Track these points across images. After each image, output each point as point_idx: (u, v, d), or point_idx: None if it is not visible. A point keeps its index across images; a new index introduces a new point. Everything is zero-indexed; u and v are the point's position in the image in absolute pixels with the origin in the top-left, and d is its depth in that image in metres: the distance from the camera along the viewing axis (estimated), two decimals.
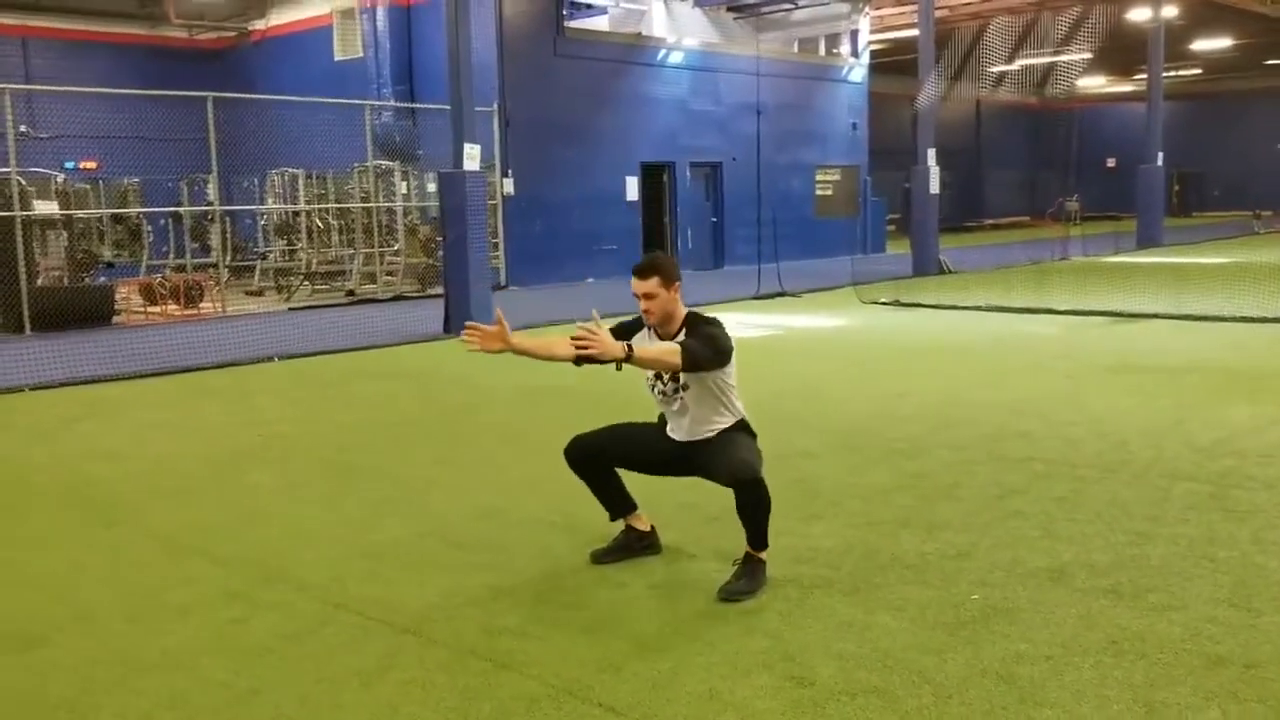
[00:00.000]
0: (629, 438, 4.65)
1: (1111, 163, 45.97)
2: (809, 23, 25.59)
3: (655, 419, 4.71)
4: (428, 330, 13.22)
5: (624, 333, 4.46)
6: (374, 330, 13.17)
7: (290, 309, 16.38)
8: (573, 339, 4.00)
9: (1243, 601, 4.08)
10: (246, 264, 20.23)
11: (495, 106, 18.45)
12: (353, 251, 18.76)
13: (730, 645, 3.81)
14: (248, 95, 18.75)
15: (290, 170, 19.19)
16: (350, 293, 17.92)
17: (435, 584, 4.52)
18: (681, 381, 4.36)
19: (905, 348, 11.23)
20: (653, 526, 4.77)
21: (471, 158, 12.75)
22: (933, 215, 19.81)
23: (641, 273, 4.33)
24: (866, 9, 26.22)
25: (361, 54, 20.47)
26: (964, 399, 8.20)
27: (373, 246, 18.78)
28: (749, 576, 4.29)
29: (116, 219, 19.59)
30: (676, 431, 4.52)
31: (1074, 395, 8.23)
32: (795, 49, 25.69)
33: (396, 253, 19.13)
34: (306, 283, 18.54)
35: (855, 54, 26.60)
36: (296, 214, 19.24)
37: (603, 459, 4.61)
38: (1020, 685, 3.44)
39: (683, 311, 4.41)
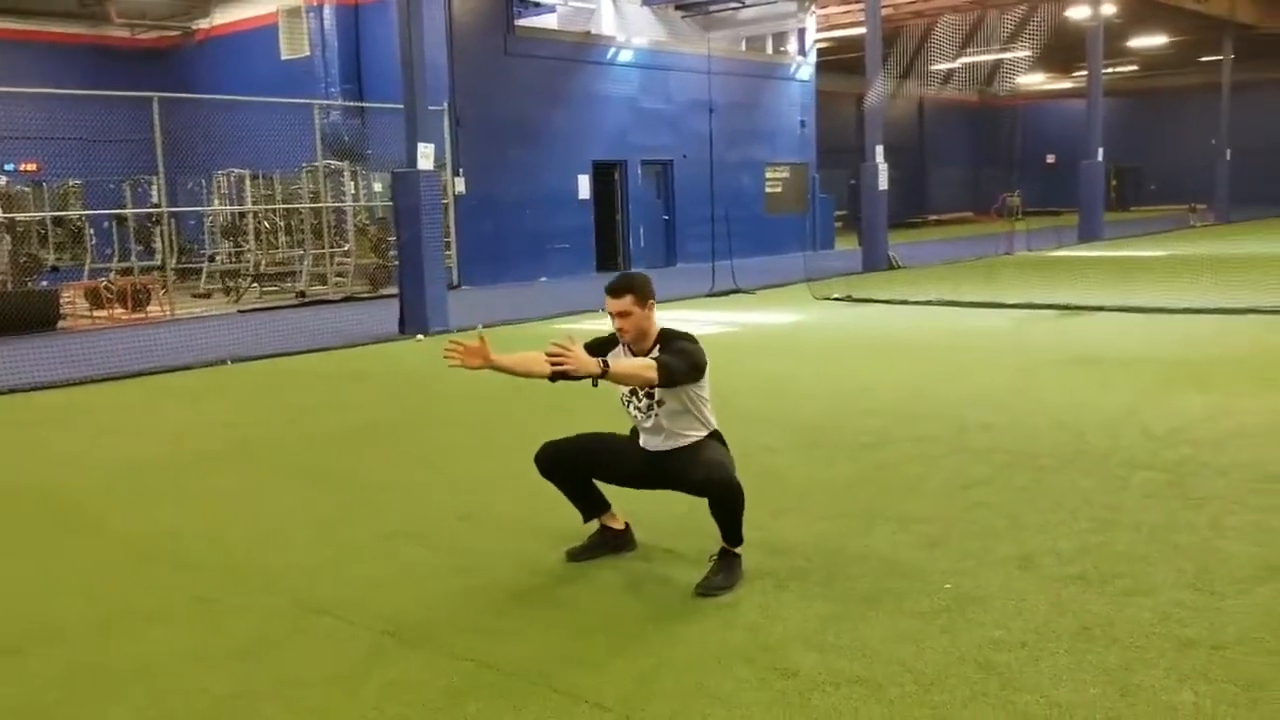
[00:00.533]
0: (600, 450, 4.63)
1: (1051, 159, 46.77)
2: (756, 21, 25.78)
3: (626, 427, 4.72)
4: (382, 331, 13.13)
5: (598, 349, 4.46)
6: (328, 332, 13.05)
7: (240, 311, 16.19)
8: (547, 355, 3.97)
9: (1206, 585, 4.18)
10: (193, 266, 19.96)
11: (446, 105, 18.36)
12: (302, 252, 18.58)
13: (711, 639, 3.85)
14: (194, 95, 18.47)
15: (237, 171, 18.97)
16: (301, 294, 17.75)
17: (410, 586, 4.51)
18: (656, 397, 4.38)
19: (862, 343, 11.35)
20: (627, 524, 4.79)
21: (425, 157, 12.68)
22: (882, 212, 20.02)
23: (615, 292, 4.35)
24: (813, 7, 26.43)
25: (308, 53, 20.27)
26: (924, 392, 8.31)
27: (322, 247, 18.61)
28: (726, 571, 4.32)
29: (58, 222, 19.23)
30: (650, 444, 4.53)
31: (1031, 387, 8.38)
32: (743, 47, 25.83)
33: (346, 253, 18.98)
34: (255, 285, 18.33)
35: (802, 52, 26.80)
36: (243, 215, 19.03)
37: (573, 468, 4.61)
38: (998, 671, 3.51)
39: (656, 328, 4.44)
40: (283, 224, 19.04)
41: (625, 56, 22.43)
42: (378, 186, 18.88)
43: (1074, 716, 3.21)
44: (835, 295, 15.27)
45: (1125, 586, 4.20)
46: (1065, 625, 3.86)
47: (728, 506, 4.25)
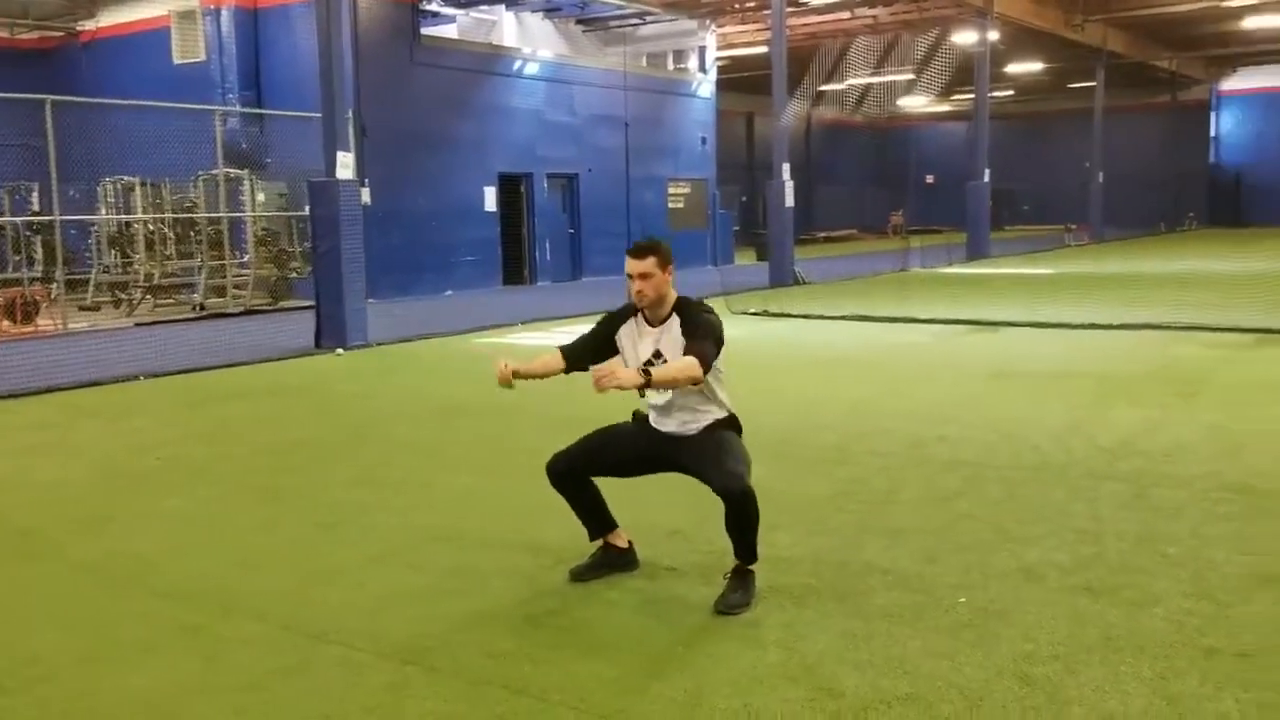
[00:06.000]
0: (606, 442, 4.53)
1: (930, 179, 48.19)
2: (656, 38, 25.90)
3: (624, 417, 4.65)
4: (297, 345, 12.72)
5: (608, 326, 4.46)
6: (237, 346, 12.58)
7: (137, 325, 15.51)
8: (593, 371, 4.05)
9: (1207, 594, 4.29)
10: (78, 277, 19.04)
11: (350, 114, 17.90)
12: (198, 263, 17.91)
13: (744, 659, 3.78)
14: (85, 99, 17.62)
15: (125, 178, 18.20)
16: (200, 307, 17.10)
17: (412, 611, 4.33)
18: None
19: (793, 358, 11.43)
20: (630, 543, 4.69)
21: (345, 166, 12.35)
22: (789, 228, 20.27)
23: (639, 253, 4.27)
24: (713, 26, 26.69)
25: (204, 57, 19.58)
26: (869, 407, 8.40)
27: (220, 258, 17.98)
28: (743, 589, 4.26)
29: None
30: (663, 424, 4.41)
31: (971, 401, 8.54)
32: (644, 63, 25.93)
33: (245, 265, 18.38)
34: (149, 297, 17.59)
35: (703, 69, 27.03)
36: (129, 224, 18.26)
37: (586, 470, 4.50)
38: (1040, 685, 3.53)
39: (674, 295, 4.37)
40: (173, 234, 18.35)
41: (532, 69, 22.28)
42: (260, 196, 18.36)
43: None
44: (752, 310, 15.38)
45: (1132, 597, 4.28)
46: (1090, 636, 3.90)
47: (744, 517, 4.18)
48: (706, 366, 4.11)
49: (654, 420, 4.47)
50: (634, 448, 4.50)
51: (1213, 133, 45.84)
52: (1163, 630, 3.94)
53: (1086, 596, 4.29)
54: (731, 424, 4.42)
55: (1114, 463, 6.43)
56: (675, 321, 4.34)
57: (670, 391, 4.30)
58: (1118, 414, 7.85)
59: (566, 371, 4.44)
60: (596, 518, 4.59)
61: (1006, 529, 5.18)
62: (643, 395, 4.11)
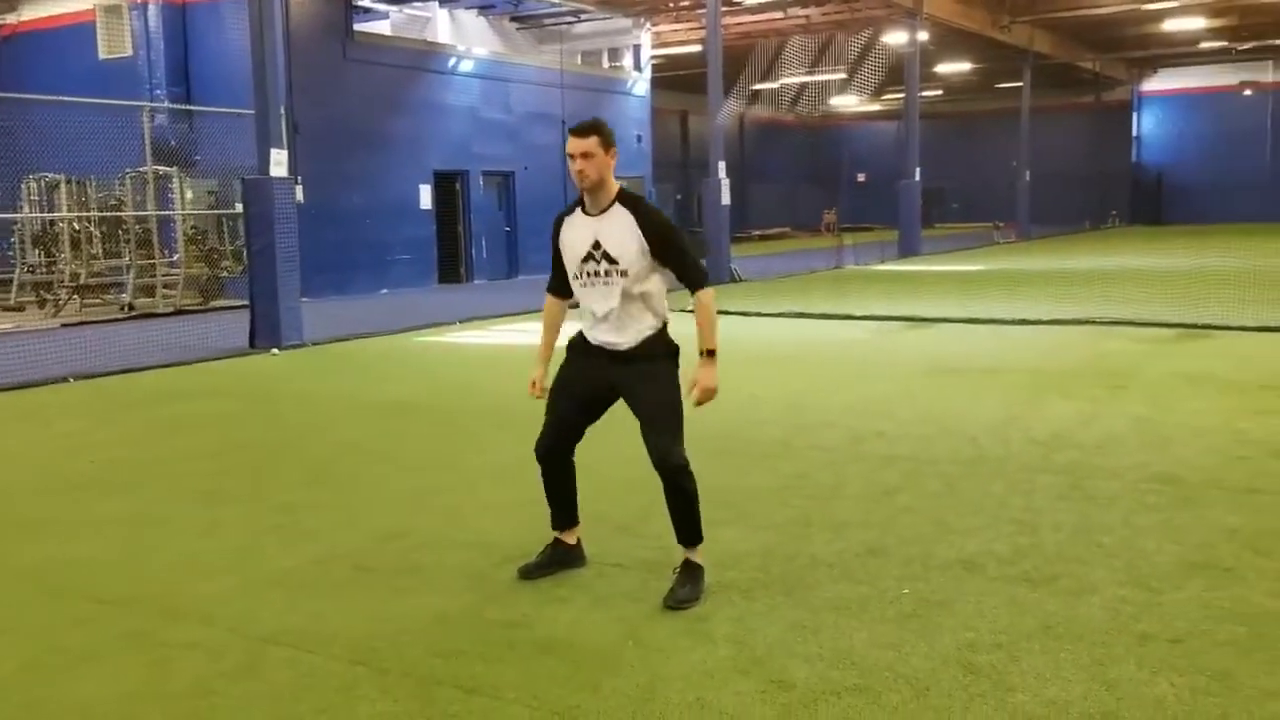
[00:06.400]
0: (561, 397, 4.45)
1: (862, 177, 48.74)
2: (591, 36, 25.91)
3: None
4: (230, 345, 12.54)
5: (555, 238, 4.45)
6: (169, 346, 12.36)
7: (64, 325, 15.17)
8: (695, 403, 4.29)
9: (1140, 582, 4.42)
10: (0, 276, 18.55)
11: (283, 110, 17.66)
12: (126, 262, 17.55)
13: (695, 653, 3.82)
14: (6, 95, 17.14)
15: (50, 176, 17.78)
16: (129, 306, 16.77)
17: (362, 611, 4.31)
18: (621, 266, 4.21)
19: (733, 354, 11.32)
20: (579, 540, 4.72)
21: (279, 164, 12.19)
22: (725, 226, 20.40)
23: (582, 131, 4.23)
24: (647, 24, 26.76)
25: (131, 53, 19.20)
26: (810, 403, 8.50)
27: (149, 257, 17.64)
28: (691, 584, 4.31)
29: None
30: (599, 331, 4.33)
31: (908, 396, 8.68)
32: (579, 61, 25.92)
33: (174, 264, 18.05)
34: (75, 297, 17.21)
35: (638, 68, 27.09)
36: (54, 223, 17.85)
37: (562, 434, 4.45)
38: (984, 673, 3.61)
39: (615, 184, 4.32)
40: (99, 233, 17.96)
41: (467, 66, 22.17)
42: (189, 194, 18.05)
43: (1070, 713, 3.33)
44: (689, 307, 15.42)
45: (1069, 586, 4.40)
46: (1029, 625, 4.00)
47: (681, 492, 4.24)
48: (705, 279, 4.28)
49: (589, 330, 4.39)
50: (579, 389, 4.42)
51: (1135, 133, 46.96)
52: (1099, 618, 4.06)
53: (1025, 586, 4.40)
54: (667, 349, 4.33)
55: (1048, 455, 6.59)
56: (620, 213, 4.24)
57: (611, 296, 4.25)
58: (1051, 408, 8.03)
59: (573, 307, 4.51)
60: (566, 509, 4.62)
61: (946, 522, 5.29)
62: (580, 263, 4.32)
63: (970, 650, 3.79)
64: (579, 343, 4.46)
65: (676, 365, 4.36)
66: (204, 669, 3.81)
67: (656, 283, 4.31)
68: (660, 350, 4.32)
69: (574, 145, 4.22)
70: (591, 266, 4.29)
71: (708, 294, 4.25)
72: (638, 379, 4.30)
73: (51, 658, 3.95)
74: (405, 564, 4.88)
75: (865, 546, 4.95)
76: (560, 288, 4.53)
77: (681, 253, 4.29)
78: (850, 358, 11.00)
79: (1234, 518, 5.21)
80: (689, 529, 4.32)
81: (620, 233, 4.22)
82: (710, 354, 4.23)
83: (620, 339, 4.30)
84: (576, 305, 4.48)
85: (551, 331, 4.65)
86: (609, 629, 4.08)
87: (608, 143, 4.24)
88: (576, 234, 4.34)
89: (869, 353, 11.33)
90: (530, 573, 4.59)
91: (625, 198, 4.31)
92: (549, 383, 4.49)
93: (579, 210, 4.37)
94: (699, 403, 4.23)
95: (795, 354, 11.39)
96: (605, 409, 4.50)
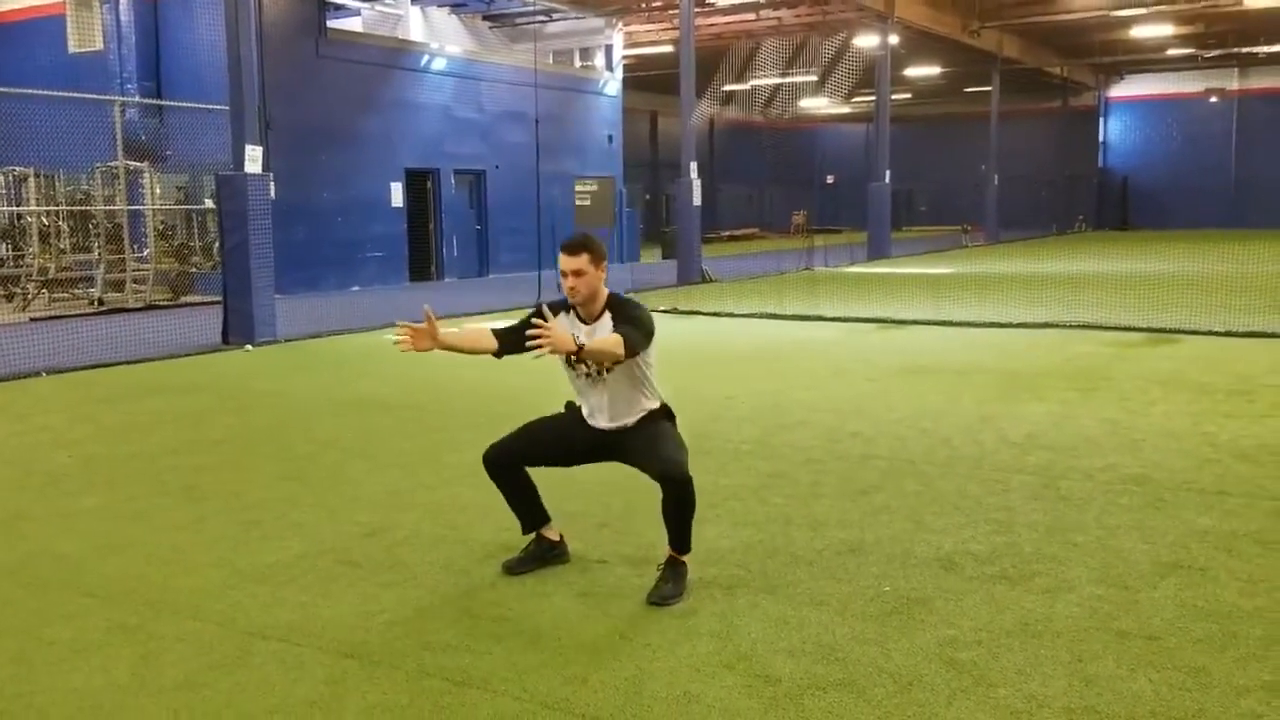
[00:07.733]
0: (543, 434, 4.61)
1: (831, 179, 49.00)
2: (563, 35, 25.94)
3: (563, 408, 4.71)
4: (203, 341, 12.48)
5: (520, 330, 4.41)
6: (141, 342, 12.29)
7: (31, 319, 15.02)
8: (528, 333, 4.03)
9: (1116, 581, 4.51)
10: None
11: (255, 107, 17.56)
12: (96, 257, 17.41)
13: (681, 648, 3.88)
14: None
15: (18, 169, 17.60)
16: (100, 301, 16.63)
17: (349, 606, 4.33)
18: (607, 365, 4.37)
19: (708, 354, 11.58)
20: (562, 536, 4.77)
21: (254, 160, 12.14)
22: (696, 226, 20.48)
23: (573, 249, 4.33)
24: (619, 24, 26.81)
25: (101, 47, 19.04)
26: (786, 402, 8.58)
27: (119, 252, 17.49)
28: (675, 580, 4.36)
29: None
30: (598, 417, 4.49)
31: (883, 396, 8.78)
32: (550, 61, 25.94)
33: (145, 259, 17.92)
34: (44, 291, 17.05)
35: (610, 68, 27.13)
36: (21, 216, 17.68)
37: (523, 460, 4.56)
38: (966, 669, 3.68)
39: (605, 292, 4.44)
40: (68, 227, 17.81)
41: (439, 64, 22.13)
42: (158, 189, 17.93)
43: (1051, 708, 3.41)
44: (662, 307, 15.52)
45: (1046, 584, 4.48)
46: (1007, 622, 4.08)
47: (682, 503, 4.28)
48: (630, 347, 4.18)
49: (590, 414, 4.54)
50: (570, 441, 4.57)
51: (1101, 138, 47.50)
52: (1077, 615, 4.14)
53: (1003, 584, 4.49)
54: (666, 414, 4.53)
55: (1022, 456, 6.69)
56: (608, 319, 4.41)
57: (606, 391, 4.41)
58: (1024, 409, 8.14)
59: (498, 354, 4.38)
60: (530, 510, 4.65)
61: (924, 520, 5.37)
62: (568, 361, 4.24)
63: (951, 647, 3.86)
64: (578, 416, 4.58)
65: (674, 422, 4.55)
66: (194, 661, 3.82)
67: (646, 369, 4.44)
68: (659, 416, 4.50)
69: (565, 263, 4.32)
70: (584, 369, 4.43)
71: (620, 341, 4.15)
72: (637, 433, 4.44)
73: (41, 651, 3.95)
74: (389, 559, 4.91)
75: (845, 544, 5.02)
76: (506, 339, 4.39)
77: (635, 321, 4.31)
78: (824, 358, 11.09)
79: (1205, 519, 5.32)
80: (681, 538, 4.37)
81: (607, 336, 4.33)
82: (580, 348, 4.07)
83: (618, 424, 4.47)
84: (500, 357, 4.43)
85: (467, 343, 4.52)
86: (595, 623, 4.13)
87: (598, 258, 4.35)
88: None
89: (843, 354, 11.42)
90: (514, 568, 4.63)
91: (612, 303, 4.43)
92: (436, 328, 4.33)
93: (574, 314, 4.45)
94: (537, 339, 3.98)
95: (770, 354, 11.47)
96: (577, 463, 4.65)
